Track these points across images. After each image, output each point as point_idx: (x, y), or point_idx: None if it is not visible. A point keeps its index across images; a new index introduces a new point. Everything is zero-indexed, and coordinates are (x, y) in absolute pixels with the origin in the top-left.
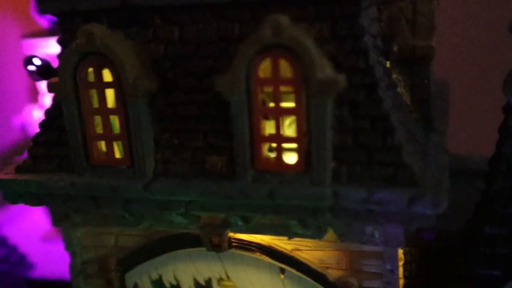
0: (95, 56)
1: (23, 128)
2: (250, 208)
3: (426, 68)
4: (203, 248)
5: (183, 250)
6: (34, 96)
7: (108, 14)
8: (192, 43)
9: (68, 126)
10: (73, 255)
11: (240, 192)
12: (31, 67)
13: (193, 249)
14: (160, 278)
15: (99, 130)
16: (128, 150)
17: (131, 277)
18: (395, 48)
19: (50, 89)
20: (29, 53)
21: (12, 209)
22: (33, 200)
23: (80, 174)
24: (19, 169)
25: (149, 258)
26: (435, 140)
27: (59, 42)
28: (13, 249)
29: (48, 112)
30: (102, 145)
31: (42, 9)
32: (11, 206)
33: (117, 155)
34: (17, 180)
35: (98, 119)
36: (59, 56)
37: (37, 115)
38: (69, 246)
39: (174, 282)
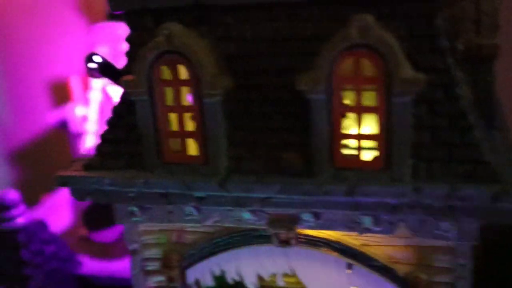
0: (172, 54)
1: (62, 124)
2: (325, 205)
3: (489, 67)
4: (269, 244)
5: (248, 246)
6: (75, 93)
7: (179, 13)
8: (265, 41)
9: (141, 123)
10: (134, 252)
11: (319, 189)
12: (91, 65)
13: (258, 245)
14: (223, 274)
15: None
16: (201, 147)
17: (193, 273)
18: (460, 47)
19: (125, 86)
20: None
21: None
22: (102, 197)
23: (152, 171)
24: (87, 167)
25: (212, 254)
26: (500, 138)
27: (128, 39)
28: (62, 245)
29: (116, 110)
30: (175, 142)
31: (114, 6)
32: (58, 201)
33: (189, 152)
34: (89, 177)
35: (171, 117)
36: (128, 54)
37: (80, 112)
38: (130, 243)
39: (237, 278)
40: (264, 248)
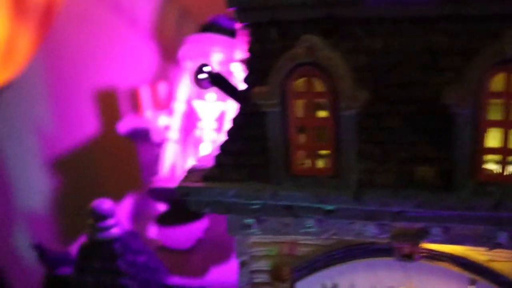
0: (309, 66)
1: (131, 133)
2: (464, 219)
3: None
4: (388, 258)
5: (364, 260)
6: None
7: (308, 25)
8: (396, 54)
9: (272, 135)
10: (242, 264)
11: (462, 203)
12: (201, 75)
13: (376, 258)
14: (335, 287)
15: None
16: (332, 160)
17: (303, 286)
18: None
19: (257, 97)
20: None
21: None
22: (221, 208)
23: (279, 183)
24: (207, 178)
25: (326, 267)
26: None
27: (250, 50)
28: (151, 255)
29: (236, 121)
30: (303, 155)
31: (241, 18)
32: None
33: (318, 165)
34: (213, 188)
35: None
36: (249, 64)
37: (163, 121)
38: (240, 255)
39: None
40: (381, 262)
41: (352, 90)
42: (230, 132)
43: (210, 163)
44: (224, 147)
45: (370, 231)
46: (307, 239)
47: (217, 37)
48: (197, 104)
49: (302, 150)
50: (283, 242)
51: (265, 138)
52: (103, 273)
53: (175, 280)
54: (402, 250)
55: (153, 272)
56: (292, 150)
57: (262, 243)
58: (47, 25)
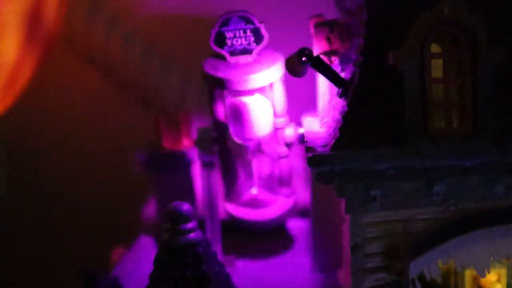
0: (450, 25)
1: None
2: None
3: None
4: (508, 224)
5: (482, 229)
6: None
7: None
8: None
9: (409, 96)
10: (355, 248)
11: None
12: (301, 59)
13: (494, 227)
14: (452, 262)
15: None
16: (471, 117)
17: (417, 265)
18: None
19: (395, 58)
20: None
21: None
22: (353, 177)
23: (415, 144)
24: (335, 147)
25: (441, 243)
26: None
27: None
28: (220, 263)
29: (358, 90)
30: (439, 115)
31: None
32: None
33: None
34: (350, 153)
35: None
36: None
37: None
38: (354, 238)
39: (468, 265)
40: (498, 230)
41: (490, 46)
42: (351, 102)
43: (322, 138)
44: (347, 117)
45: (497, 192)
46: (422, 213)
47: None
48: None
49: (440, 109)
50: (396, 221)
51: (395, 102)
52: (185, 281)
53: None
54: None
55: (226, 278)
56: (430, 110)
57: (375, 223)
58: (48, 54)
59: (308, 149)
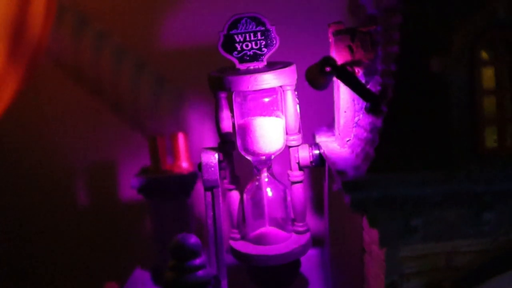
0: (504, 26)
1: None
2: None
3: None
4: None
5: None
6: None
7: None
8: None
9: (456, 110)
10: (392, 286)
11: None
12: (326, 69)
13: None
14: None
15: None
16: None
17: None
18: None
19: (436, 66)
20: None
21: None
22: (391, 204)
23: (467, 166)
24: (369, 170)
25: (488, 278)
26: None
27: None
28: None
29: (393, 104)
30: (492, 131)
31: None
32: None
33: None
34: (390, 178)
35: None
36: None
37: None
38: (390, 274)
39: None
40: None
41: None
42: (387, 119)
43: (348, 160)
44: (383, 135)
45: None
46: (467, 245)
47: None
48: None
49: (493, 126)
50: (438, 254)
51: (439, 117)
52: None
53: None
54: None
55: None
56: (480, 126)
57: (414, 257)
58: (35, 67)
59: (339, 173)
